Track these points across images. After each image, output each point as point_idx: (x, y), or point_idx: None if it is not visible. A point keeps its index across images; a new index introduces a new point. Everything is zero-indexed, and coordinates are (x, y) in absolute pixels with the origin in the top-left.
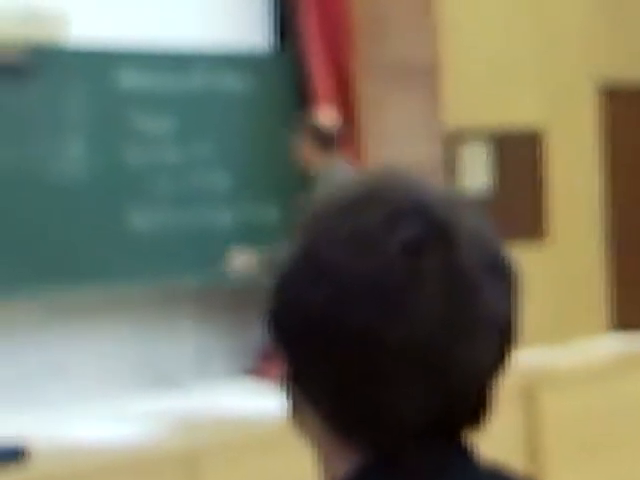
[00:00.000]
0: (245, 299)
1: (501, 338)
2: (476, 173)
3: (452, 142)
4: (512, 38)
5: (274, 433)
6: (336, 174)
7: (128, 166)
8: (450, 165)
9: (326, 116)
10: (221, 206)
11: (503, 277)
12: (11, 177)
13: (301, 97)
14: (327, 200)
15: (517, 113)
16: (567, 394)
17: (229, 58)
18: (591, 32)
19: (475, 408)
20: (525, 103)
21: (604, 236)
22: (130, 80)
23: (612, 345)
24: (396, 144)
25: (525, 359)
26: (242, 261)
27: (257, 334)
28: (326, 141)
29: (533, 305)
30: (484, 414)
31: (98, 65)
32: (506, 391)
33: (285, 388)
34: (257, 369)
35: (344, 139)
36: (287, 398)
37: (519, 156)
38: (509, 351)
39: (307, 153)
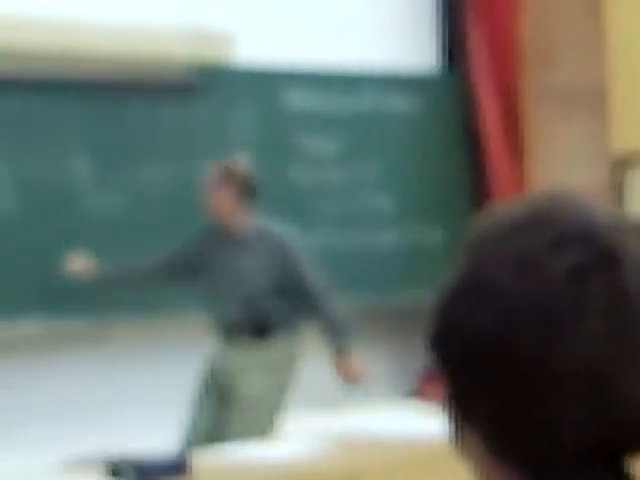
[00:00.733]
0: (407, 320)
1: None
2: None
3: (620, 167)
4: None
5: (436, 454)
6: None
7: (293, 186)
8: (618, 190)
9: None
10: (386, 227)
11: None
12: (178, 193)
13: (468, 119)
14: (493, 221)
15: None
16: None
17: (396, 79)
18: None
19: (637, 435)
20: None
21: None
22: (296, 100)
23: None
24: (563, 169)
25: None
26: None
27: (419, 355)
28: None
29: None
30: None
31: (265, 85)
32: None
33: (446, 409)
34: (419, 390)
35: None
36: (448, 419)
37: None
38: None
39: None
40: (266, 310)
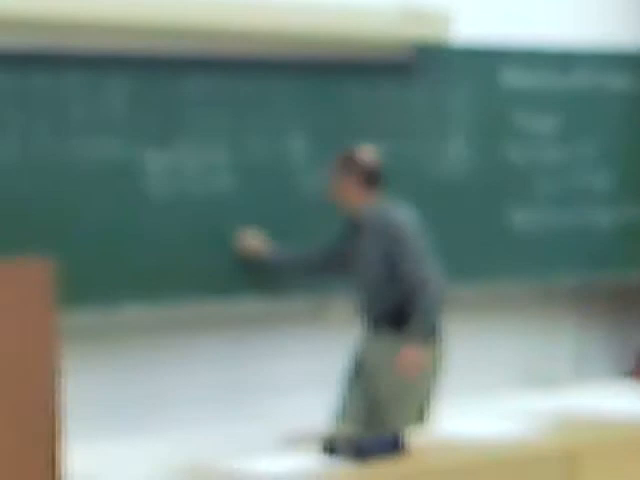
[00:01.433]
0: (624, 300)
1: None
2: None
3: None
4: None
5: None
6: None
7: (510, 165)
8: None
9: None
10: (602, 206)
11: None
12: (401, 172)
13: None
14: None
15: None
16: None
17: (613, 56)
18: None
19: None
20: None
21: None
22: (513, 79)
23: None
24: None
25: None
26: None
27: (636, 335)
28: None
29: None
30: None
31: (482, 64)
32: None
33: None
34: (636, 370)
35: None
36: None
37: None
38: None
39: None
40: (385, 297)
